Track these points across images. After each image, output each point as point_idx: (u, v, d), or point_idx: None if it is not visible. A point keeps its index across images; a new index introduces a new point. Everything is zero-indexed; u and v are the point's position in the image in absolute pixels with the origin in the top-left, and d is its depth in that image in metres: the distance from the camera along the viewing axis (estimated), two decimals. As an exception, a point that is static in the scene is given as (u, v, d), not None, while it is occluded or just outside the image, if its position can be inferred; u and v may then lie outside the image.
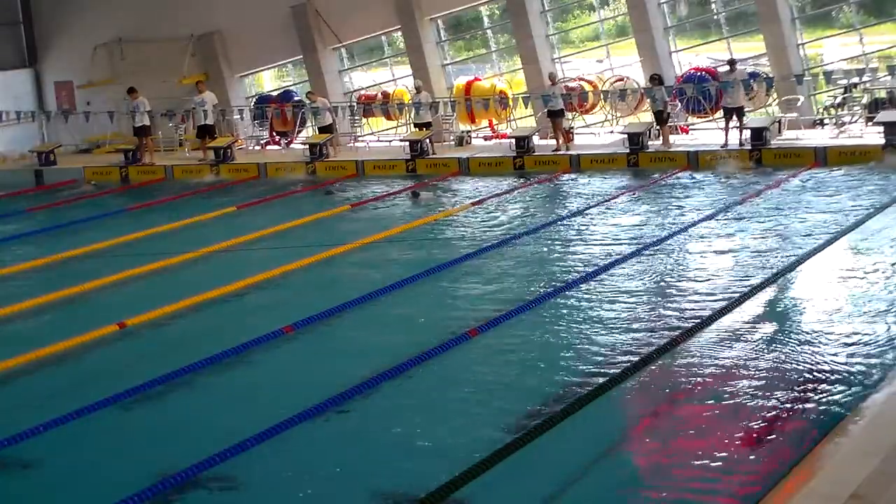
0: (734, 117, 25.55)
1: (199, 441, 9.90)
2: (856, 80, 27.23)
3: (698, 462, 9.01)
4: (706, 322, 12.56)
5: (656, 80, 26.44)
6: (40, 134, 34.60)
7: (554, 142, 27.28)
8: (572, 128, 28.05)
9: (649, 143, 25.96)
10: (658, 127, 26.29)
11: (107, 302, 15.41)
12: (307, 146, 28.76)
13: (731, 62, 26.41)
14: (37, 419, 10.52)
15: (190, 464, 9.19)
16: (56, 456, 9.96)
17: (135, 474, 9.18)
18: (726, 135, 25.50)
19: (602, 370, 11.28)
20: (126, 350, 13.33)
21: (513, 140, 27.11)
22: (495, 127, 30.43)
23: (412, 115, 29.31)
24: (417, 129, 28.55)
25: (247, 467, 9.31)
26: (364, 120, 31.88)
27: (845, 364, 10.94)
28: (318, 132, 29.65)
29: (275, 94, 33.47)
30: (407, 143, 28.15)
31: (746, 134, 25.20)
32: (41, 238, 20.58)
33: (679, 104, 27.48)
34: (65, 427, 10.46)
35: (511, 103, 29.95)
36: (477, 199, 22.28)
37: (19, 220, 23.53)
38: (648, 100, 26.93)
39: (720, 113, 26.80)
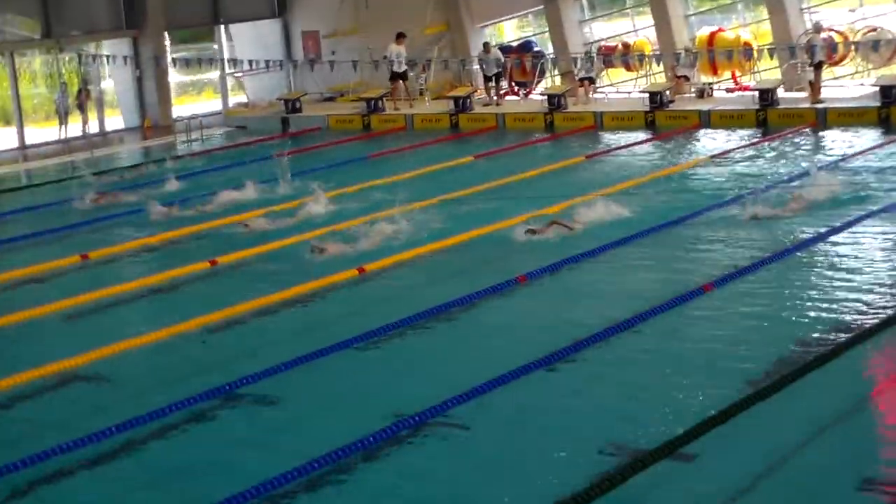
0: None
1: (430, 385, 10.10)
2: None
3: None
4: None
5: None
6: (287, 82, 35.65)
7: (800, 94, 26.44)
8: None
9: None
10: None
11: (345, 250, 15.62)
12: (546, 97, 28.74)
13: None
14: (278, 359, 10.92)
15: (423, 407, 9.37)
16: (299, 393, 10.31)
17: (370, 414, 9.43)
18: None
19: (844, 328, 10.92)
20: (362, 295, 13.66)
21: (756, 93, 26.37)
22: (738, 79, 29.67)
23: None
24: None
25: (475, 413, 9.42)
26: (604, 71, 31.61)
27: None
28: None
29: (514, 44, 33.47)
30: (646, 95, 27.75)
31: None
32: (285, 183, 21.12)
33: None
34: (304, 367, 10.82)
35: (756, 55, 29.11)
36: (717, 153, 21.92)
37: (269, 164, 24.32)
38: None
39: None
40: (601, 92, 30.82)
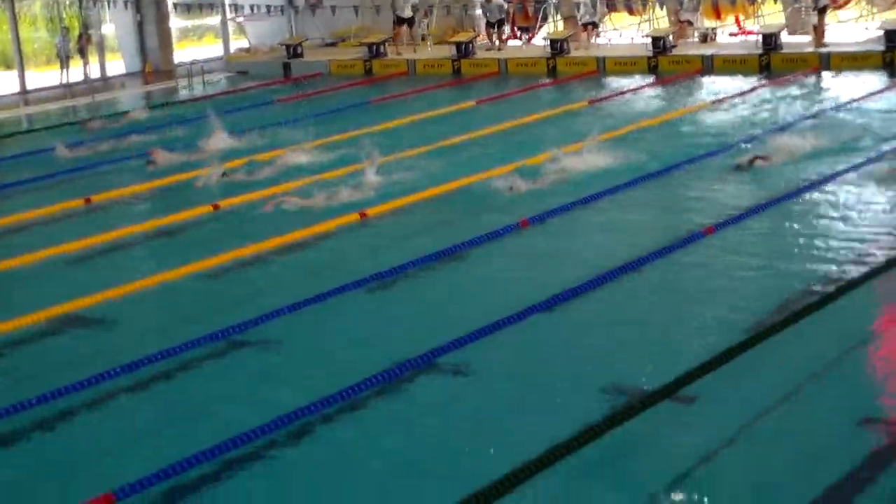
0: None
1: (433, 329, 10.09)
2: None
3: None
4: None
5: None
6: (289, 27, 35.45)
7: (803, 38, 26.29)
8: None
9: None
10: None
11: (345, 195, 15.52)
12: (548, 42, 28.59)
13: None
14: (278, 302, 10.91)
15: (424, 350, 9.37)
16: (297, 337, 10.32)
17: (369, 357, 9.42)
18: None
19: (843, 272, 10.91)
20: (364, 238, 13.65)
21: (759, 37, 26.22)
22: (742, 23, 29.49)
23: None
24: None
25: (474, 358, 9.42)
26: (607, 15, 31.43)
27: None
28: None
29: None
30: (649, 40, 27.58)
31: None
32: (286, 127, 21.05)
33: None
34: (304, 311, 10.81)
35: (760, -1, 28.97)
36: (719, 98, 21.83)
37: (270, 109, 24.26)
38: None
39: None
40: (604, 37, 30.66)
